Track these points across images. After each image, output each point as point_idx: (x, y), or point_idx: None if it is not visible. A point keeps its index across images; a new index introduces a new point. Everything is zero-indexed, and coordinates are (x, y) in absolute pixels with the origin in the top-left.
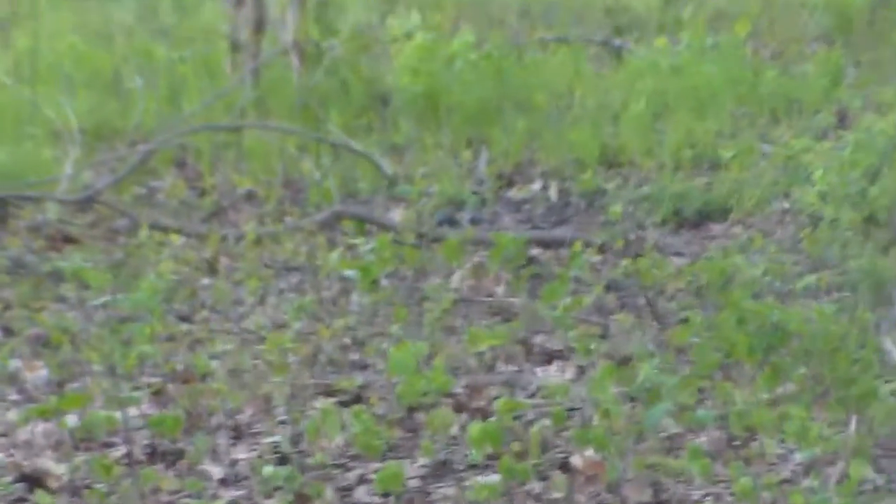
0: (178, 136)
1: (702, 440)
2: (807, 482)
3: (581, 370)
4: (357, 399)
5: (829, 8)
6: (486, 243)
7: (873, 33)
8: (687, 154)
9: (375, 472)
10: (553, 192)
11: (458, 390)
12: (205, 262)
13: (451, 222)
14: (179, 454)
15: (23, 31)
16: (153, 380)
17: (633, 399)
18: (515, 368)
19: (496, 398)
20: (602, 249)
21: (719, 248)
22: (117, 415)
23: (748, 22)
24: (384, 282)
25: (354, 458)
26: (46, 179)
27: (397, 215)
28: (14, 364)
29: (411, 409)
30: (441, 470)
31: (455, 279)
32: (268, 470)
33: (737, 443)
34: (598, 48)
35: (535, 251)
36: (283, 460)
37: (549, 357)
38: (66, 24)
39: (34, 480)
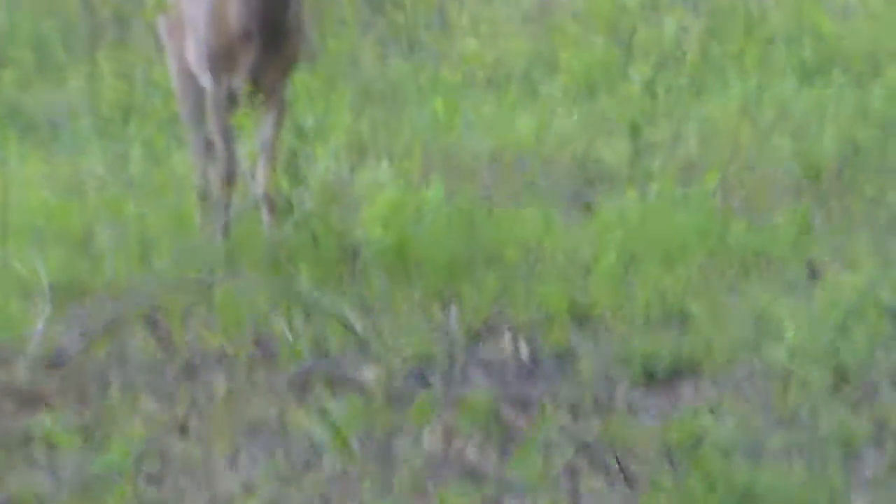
0: (148, 293)
1: None
2: None
3: None
4: None
5: (798, 159)
6: (457, 402)
7: (843, 185)
8: (657, 309)
9: None
10: (523, 350)
11: None
12: (175, 422)
13: (422, 379)
14: None
15: None
16: None
17: None
18: None
19: None
20: (572, 409)
21: (689, 408)
22: None
23: (717, 173)
24: (355, 442)
25: None
26: (15, 337)
27: (368, 373)
28: None
29: None
30: None
31: (425, 440)
32: None
33: None
34: (568, 201)
35: (504, 410)
36: None
37: None
38: (35, 177)
39: None
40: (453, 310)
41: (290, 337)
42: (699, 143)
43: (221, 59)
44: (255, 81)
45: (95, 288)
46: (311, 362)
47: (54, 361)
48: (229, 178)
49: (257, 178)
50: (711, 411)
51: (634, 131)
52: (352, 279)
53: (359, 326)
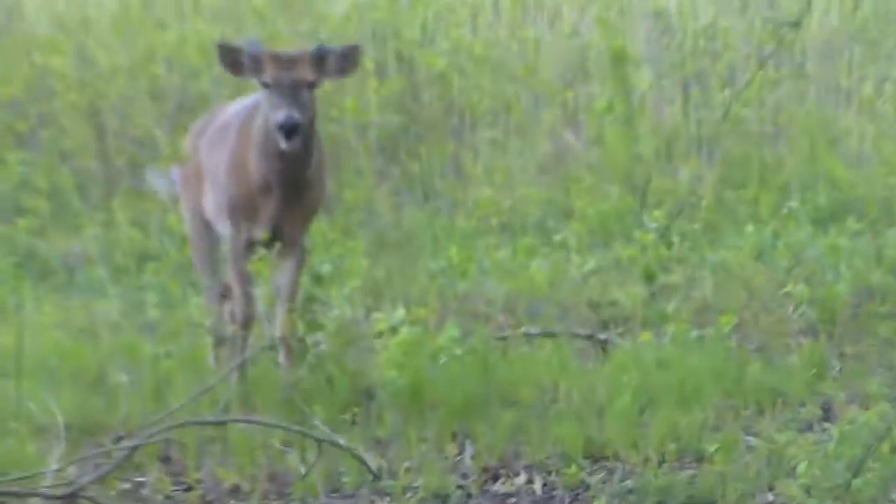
0: (163, 431)
1: None
2: None
3: None
4: None
5: (813, 301)
6: None
7: (857, 326)
8: (671, 447)
9: None
10: (538, 486)
11: None
12: None
13: None
14: None
15: (7, 327)
16: None
17: None
18: None
19: None
20: None
21: None
22: None
23: (733, 315)
24: None
25: None
26: (30, 475)
27: None
28: None
29: None
30: None
31: None
32: None
33: None
34: (584, 342)
35: None
36: None
37: None
38: (50, 319)
39: None
40: (468, 448)
41: (303, 473)
42: (714, 286)
43: (242, 209)
44: (275, 229)
45: (110, 426)
46: (325, 499)
47: (69, 499)
48: (246, 322)
49: (275, 322)
50: None
51: (649, 276)
52: (366, 419)
53: (373, 463)
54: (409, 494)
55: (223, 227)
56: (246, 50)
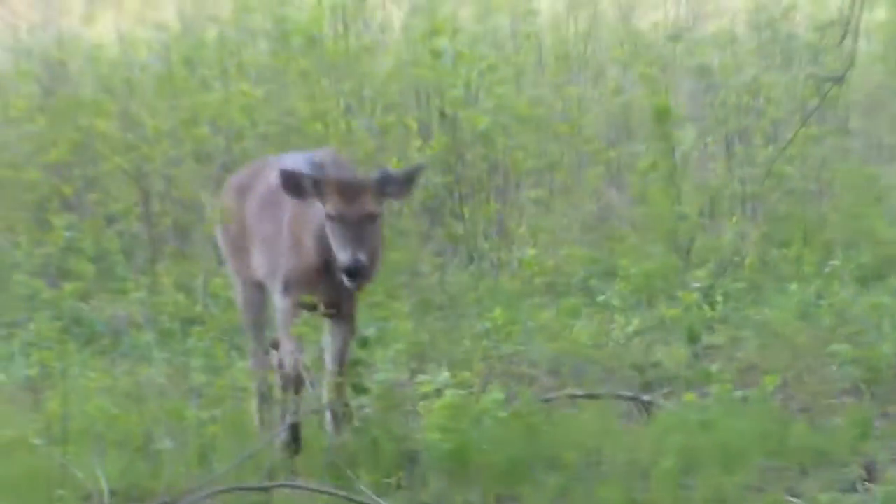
0: (207, 497)
1: None
2: None
3: None
4: None
5: (856, 360)
6: None
7: None
8: None
9: None
10: None
11: None
12: None
13: None
14: None
15: (52, 392)
16: None
17: None
18: None
19: None
20: None
21: None
22: None
23: (777, 375)
24: None
25: None
26: None
27: None
28: None
29: None
30: None
31: None
32: None
33: None
34: (628, 404)
35: None
36: None
37: None
38: (95, 384)
39: None
40: None
41: None
42: (758, 346)
43: (297, 283)
44: (329, 302)
45: (155, 492)
46: None
47: None
48: (296, 384)
49: (325, 388)
50: None
51: (693, 336)
52: (411, 482)
53: None
54: None
55: (274, 291)
56: (307, 176)
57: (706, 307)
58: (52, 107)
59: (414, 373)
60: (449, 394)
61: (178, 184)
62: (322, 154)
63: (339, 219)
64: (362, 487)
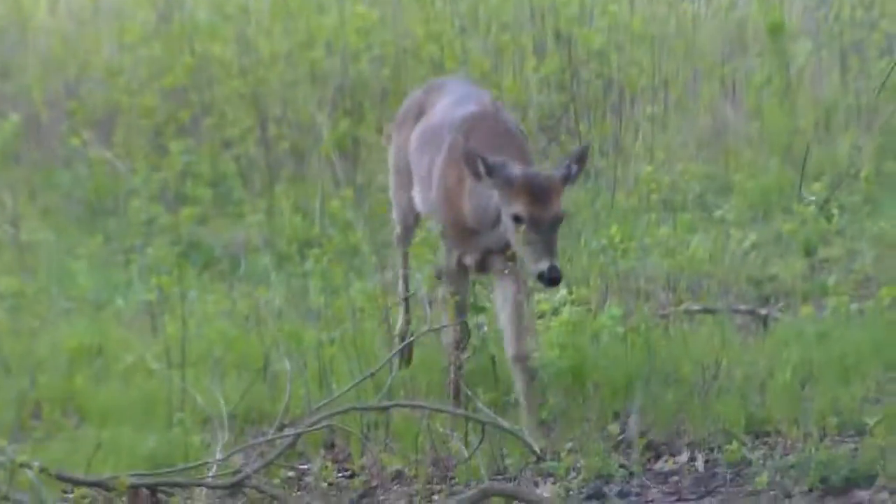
0: (326, 418)
1: None
2: None
3: None
4: None
5: None
6: None
7: None
8: (832, 421)
9: None
10: (700, 464)
11: None
12: None
13: (600, 496)
14: None
15: (171, 317)
16: None
17: None
18: None
19: None
20: None
21: None
22: None
23: (894, 287)
24: None
25: None
26: (196, 465)
27: (546, 491)
28: None
29: None
30: None
31: None
32: None
33: None
34: (744, 318)
35: None
36: None
37: None
38: (214, 308)
39: None
40: (631, 426)
41: (467, 456)
42: (874, 258)
43: (454, 238)
44: (485, 260)
45: (274, 414)
46: (488, 481)
47: (234, 488)
48: (460, 344)
49: (508, 343)
50: None
51: (809, 249)
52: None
53: (536, 445)
54: (571, 475)
55: (435, 228)
56: (495, 167)
57: (822, 220)
58: (167, 32)
59: (532, 291)
60: (566, 311)
61: (295, 107)
62: (478, 112)
63: (530, 222)
64: (481, 406)
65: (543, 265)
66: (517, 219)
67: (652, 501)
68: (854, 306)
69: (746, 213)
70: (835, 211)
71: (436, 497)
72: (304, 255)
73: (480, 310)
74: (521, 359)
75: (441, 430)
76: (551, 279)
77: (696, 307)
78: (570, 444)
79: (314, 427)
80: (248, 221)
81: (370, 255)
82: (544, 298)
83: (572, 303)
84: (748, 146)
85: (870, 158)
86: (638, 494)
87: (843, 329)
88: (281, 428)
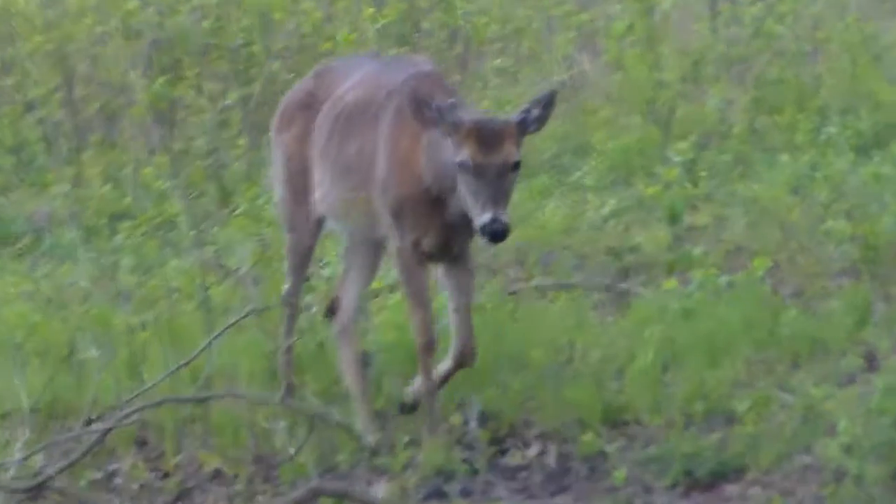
0: (138, 411)
1: None
2: None
3: None
4: None
5: (855, 238)
6: None
7: None
8: (698, 408)
9: None
10: (552, 457)
11: None
12: None
13: (440, 495)
14: None
15: None
16: None
17: None
18: None
19: None
20: None
21: None
22: None
23: (767, 257)
24: None
25: None
26: None
27: (380, 490)
28: None
29: None
30: None
31: None
32: None
33: None
34: (602, 294)
35: None
36: None
37: None
38: (14, 289)
39: None
40: (474, 416)
41: (292, 452)
42: (746, 226)
43: (414, 216)
44: (446, 242)
45: (80, 407)
46: (317, 480)
47: (34, 492)
48: (428, 346)
49: (455, 341)
50: None
51: (674, 216)
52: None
53: (370, 438)
54: (409, 472)
55: (348, 226)
56: (444, 110)
57: (688, 184)
58: None
59: None
60: None
61: (105, 64)
62: (423, 71)
63: (476, 170)
64: (309, 396)
65: (486, 216)
66: (464, 167)
67: (499, 500)
68: (723, 279)
69: (605, 176)
70: (703, 173)
71: (259, 498)
72: (115, 230)
73: (309, 288)
74: (469, 363)
75: (265, 424)
76: (493, 232)
77: (548, 283)
78: (407, 438)
79: (124, 422)
80: (52, 192)
81: (188, 230)
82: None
83: None
84: (607, 102)
85: (741, 114)
86: (483, 492)
87: (711, 305)
88: (88, 423)
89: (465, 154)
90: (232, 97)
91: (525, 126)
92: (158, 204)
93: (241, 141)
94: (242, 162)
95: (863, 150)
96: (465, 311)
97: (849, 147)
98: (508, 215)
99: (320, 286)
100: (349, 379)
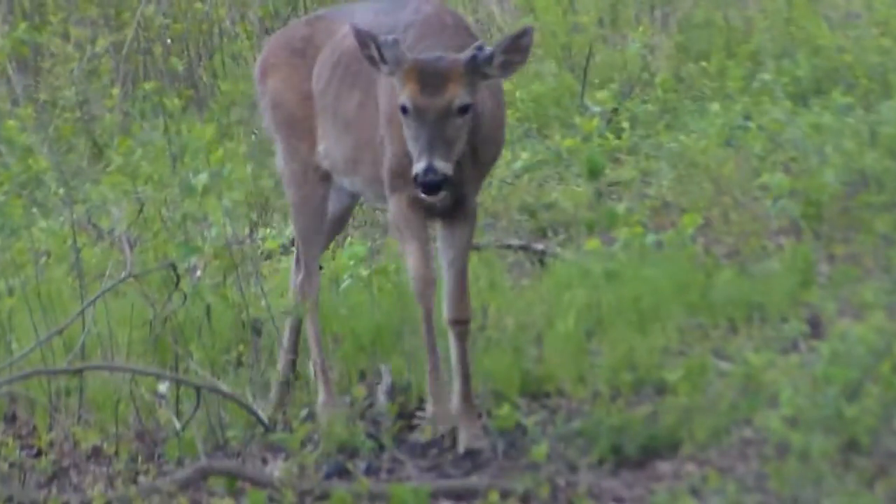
0: (6, 383)
1: None
2: None
3: None
4: None
5: (795, 193)
6: (385, 497)
7: (848, 221)
8: (626, 378)
9: None
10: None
11: None
12: None
13: (342, 474)
14: None
15: None
16: None
17: None
18: None
19: None
20: (525, 498)
21: (667, 492)
22: None
23: (697, 214)
24: None
25: None
26: None
27: (275, 468)
28: None
29: None
30: None
31: None
32: None
33: None
34: (517, 254)
35: None
36: None
37: None
38: None
39: None
40: (381, 389)
41: (178, 427)
42: (674, 180)
43: (405, 175)
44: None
45: None
46: (205, 458)
47: None
48: (426, 282)
49: (447, 301)
50: (694, 493)
51: (594, 171)
52: (254, 359)
53: (264, 413)
54: (308, 448)
55: (357, 184)
56: (386, 46)
57: (609, 135)
58: None
59: (255, 226)
60: None
61: None
62: (424, 9)
63: (413, 113)
64: (194, 366)
65: (420, 164)
66: (403, 110)
67: (407, 478)
68: (650, 238)
69: (517, 128)
70: (625, 124)
71: (142, 478)
72: None
73: (193, 250)
74: (463, 322)
75: (147, 397)
76: (425, 184)
77: None
78: (305, 412)
79: None
80: None
81: (56, 187)
82: (271, 235)
83: None
84: None
85: (666, 61)
86: (390, 471)
87: (638, 266)
88: None
89: (404, 95)
90: (102, 44)
91: (476, 66)
92: (23, 159)
93: (114, 91)
94: (115, 113)
95: (800, 99)
96: (459, 276)
97: (785, 95)
98: (450, 165)
99: (205, 248)
100: (315, 352)
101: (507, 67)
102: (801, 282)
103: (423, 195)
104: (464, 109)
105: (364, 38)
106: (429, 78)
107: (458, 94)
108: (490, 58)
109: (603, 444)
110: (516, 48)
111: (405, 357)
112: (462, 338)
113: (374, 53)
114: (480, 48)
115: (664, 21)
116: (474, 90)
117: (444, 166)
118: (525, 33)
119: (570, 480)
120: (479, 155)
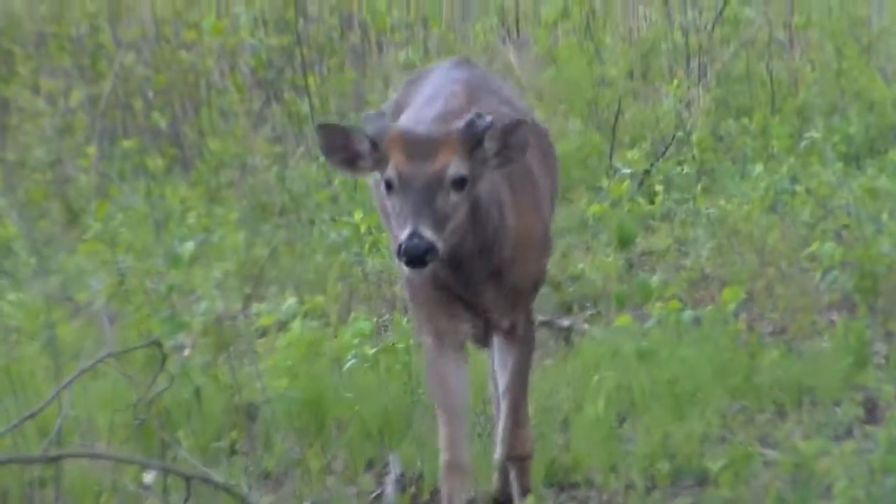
0: None
1: None
2: None
3: None
4: None
5: (847, 264)
6: None
7: None
8: (663, 468)
9: None
10: None
11: None
12: None
13: None
14: None
15: None
16: None
17: None
18: None
19: None
20: None
21: None
22: None
23: (740, 288)
24: None
25: None
26: None
27: None
28: None
29: None
30: None
31: None
32: None
33: None
34: (541, 331)
35: None
36: None
37: None
38: None
39: None
40: (389, 479)
41: None
42: (713, 250)
43: (424, 304)
44: (484, 318)
45: None
46: None
47: None
48: (453, 466)
49: (501, 435)
50: None
51: (624, 239)
52: (249, 446)
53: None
54: None
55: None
56: (360, 133)
57: (641, 200)
58: None
59: (248, 300)
60: (297, 325)
61: None
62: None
63: (399, 185)
64: (182, 453)
65: (403, 234)
66: (388, 185)
67: None
68: (687, 314)
69: None
70: (658, 188)
71: None
72: None
73: (180, 326)
74: (522, 458)
75: (131, 487)
76: (408, 251)
77: None
78: (308, 503)
79: None
80: None
81: (27, 257)
82: (266, 310)
83: (305, 315)
84: (539, 102)
85: (703, 117)
86: None
87: (674, 345)
88: None
89: (389, 167)
90: (76, 97)
91: (473, 135)
92: None
93: (90, 149)
94: (91, 174)
95: (853, 160)
96: (516, 391)
97: (836, 155)
98: (439, 238)
99: (194, 323)
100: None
101: (503, 160)
102: (855, 362)
103: (406, 267)
104: (459, 183)
105: (330, 131)
106: (417, 146)
107: (450, 162)
108: (486, 129)
109: None
110: (505, 145)
111: (416, 444)
112: (522, 472)
113: (349, 146)
114: (479, 115)
115: (701, 73)
116: (474, 165)
117: (431, 235)
118: (514, 128)
119: None
120: (505, 277)
